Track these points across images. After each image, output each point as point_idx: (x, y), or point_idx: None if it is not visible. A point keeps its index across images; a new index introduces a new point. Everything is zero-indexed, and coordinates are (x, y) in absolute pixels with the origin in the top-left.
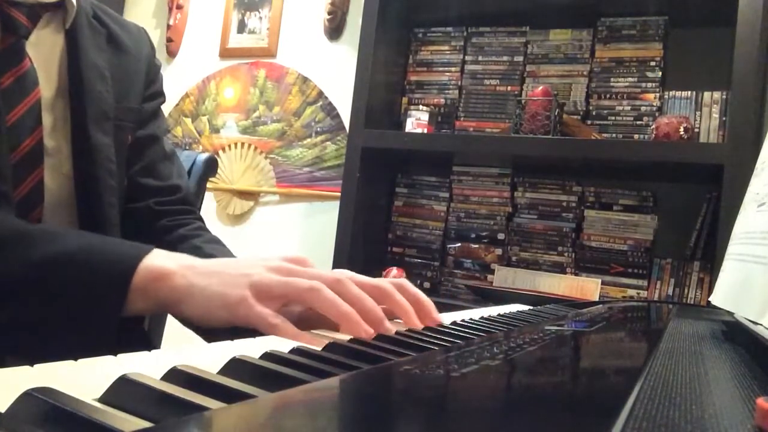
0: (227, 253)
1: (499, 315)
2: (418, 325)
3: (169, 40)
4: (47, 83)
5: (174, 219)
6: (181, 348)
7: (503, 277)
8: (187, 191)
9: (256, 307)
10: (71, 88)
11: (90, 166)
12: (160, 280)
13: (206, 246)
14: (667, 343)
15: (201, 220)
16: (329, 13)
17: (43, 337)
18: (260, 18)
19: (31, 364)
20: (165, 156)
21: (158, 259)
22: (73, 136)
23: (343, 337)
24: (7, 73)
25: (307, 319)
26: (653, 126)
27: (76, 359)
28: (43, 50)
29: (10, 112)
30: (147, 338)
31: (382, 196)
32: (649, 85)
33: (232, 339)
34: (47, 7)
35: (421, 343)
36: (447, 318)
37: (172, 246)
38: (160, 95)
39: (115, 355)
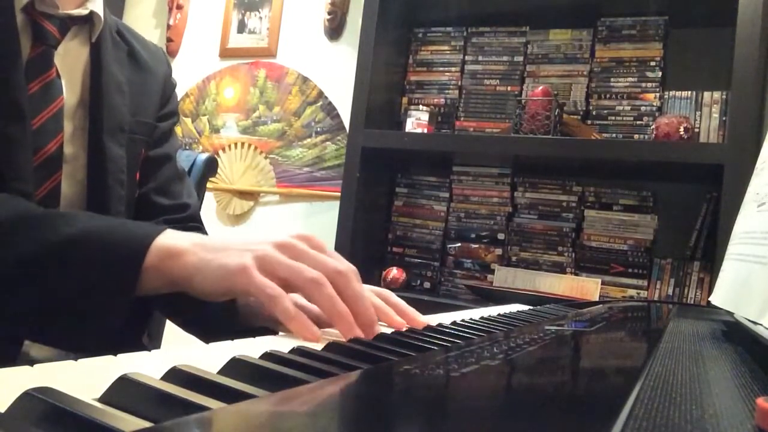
0: None
1: (499, 315)
2: (401, 324)
3: (169, 40)
4: (70, 92)
5: None
6: (181, 348)
7: (503, 277)
8: (195, 210)
9: (257, 277)
10: (91, 98)
11: (102, 174)
12: (172, 258)
13: None
14: (667, 343)
15: (207, 234)
16: (329, 13)
17: (58, 318)
18: (260, 18)
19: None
20: (177, 176)
21: (171, 239)
22: (89, 145)
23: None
24: (36, 80)
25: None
26: (653, 126)
27: (93, 342)
28: (69, 61)
29: (35, 116)
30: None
31: (382, 196)
32: (649, 85)
33: (232, 339)
34: (76, 20)
35: (421, 343)
36: (447, 318)
37: None
38: (174, 115)
39: (115, 354)
